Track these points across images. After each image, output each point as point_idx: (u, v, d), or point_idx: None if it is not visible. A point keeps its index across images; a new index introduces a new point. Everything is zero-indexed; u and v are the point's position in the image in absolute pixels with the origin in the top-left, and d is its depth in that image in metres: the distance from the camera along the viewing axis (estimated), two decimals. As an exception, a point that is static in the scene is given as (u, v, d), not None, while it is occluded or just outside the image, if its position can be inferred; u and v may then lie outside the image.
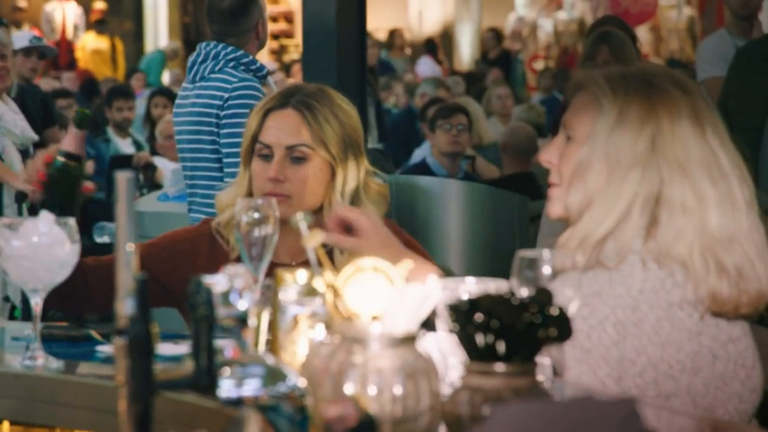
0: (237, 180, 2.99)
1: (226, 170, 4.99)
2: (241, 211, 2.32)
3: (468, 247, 5.68)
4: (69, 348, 2.47)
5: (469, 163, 7.43)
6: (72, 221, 2.30)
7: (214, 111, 5.03)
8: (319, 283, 1.90)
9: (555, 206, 2.33)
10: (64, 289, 2.45)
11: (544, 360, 1.92)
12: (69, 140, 3.09)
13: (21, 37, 8.09)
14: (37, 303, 2.28)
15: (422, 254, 2.92)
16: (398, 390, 1.72)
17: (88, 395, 2.14)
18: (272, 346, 1.98)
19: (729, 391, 2.22)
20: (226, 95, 5.01)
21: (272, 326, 2.00)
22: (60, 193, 3.00)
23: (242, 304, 1.74)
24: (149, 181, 8.11)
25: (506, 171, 7.41)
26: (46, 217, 2.27)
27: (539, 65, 17.64)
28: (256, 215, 2.32)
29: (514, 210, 5.93)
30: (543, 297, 1.74)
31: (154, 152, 8.68)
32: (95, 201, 8.21)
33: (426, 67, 15.92)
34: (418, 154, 8.00)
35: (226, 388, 1.74)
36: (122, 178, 1.74)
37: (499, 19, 19.24)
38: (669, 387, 2.19)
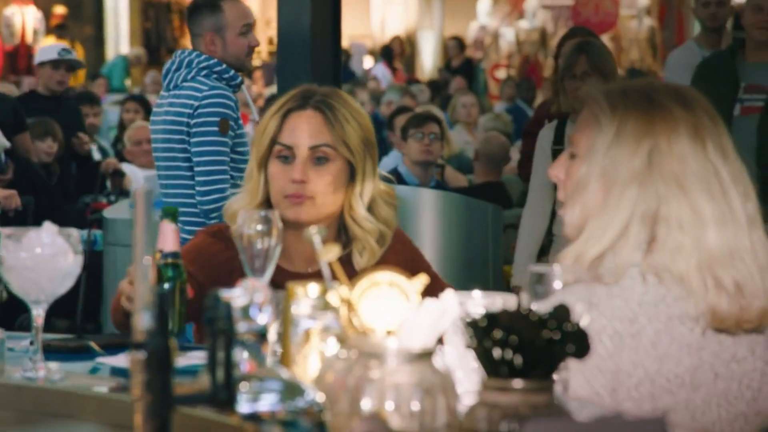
0: (250, 186, 2.94)
1: (197, 178, 4.99)
2: (244, 224, 2.31)
3: (441, 257, 5.69)
4: (68, 359, 2.45)
5: (438, 171, 7.44)
6: (75, 232, 2.28)
7: (185, 119, 5.03)
8: (332, 297, 1.89)
9: (565, 227, 2.32)
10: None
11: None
12: (166, 239, 2.63)
13: (49, 50, 8.11)
14: (39, 314, 2.26)
15: (426, 268, 2.92)
16: (416, 406, 1.72)
17: (92, 407, 2.12)
18: (283, 359, 1.97)
19: (734, 410, 2.21)
20: (196, 104, 5.01)
21: (283, 340, 1.99)
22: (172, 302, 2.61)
23: (262, 319, 1.73)
24: (117, 187, 8.06)
25: (477, 180, 7.42)
26: (49, 228, 2.25)
27: (501, 74, 17.72)
28: (260, 227, 2.31)
29: (487, 219, 5.95)
30: (561, 313, 1.74)
31: (122, 158, 8.64)
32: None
33: (379, 73, 15.97)
34: (387, 163, 8.00)
35: (244, 403, 1.73)
36: (140, 192, 1.73)
37: (461, 27, 19.30)
38: (666, 401, 2.19)
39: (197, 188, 4.91)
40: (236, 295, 1.74)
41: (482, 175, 7.37)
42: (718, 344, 2.21)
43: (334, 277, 1.95)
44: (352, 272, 2.70)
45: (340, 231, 2.93)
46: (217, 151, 4.97)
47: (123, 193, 8.01)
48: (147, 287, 1.71)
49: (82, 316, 6.75)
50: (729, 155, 2.25)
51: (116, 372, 2.40)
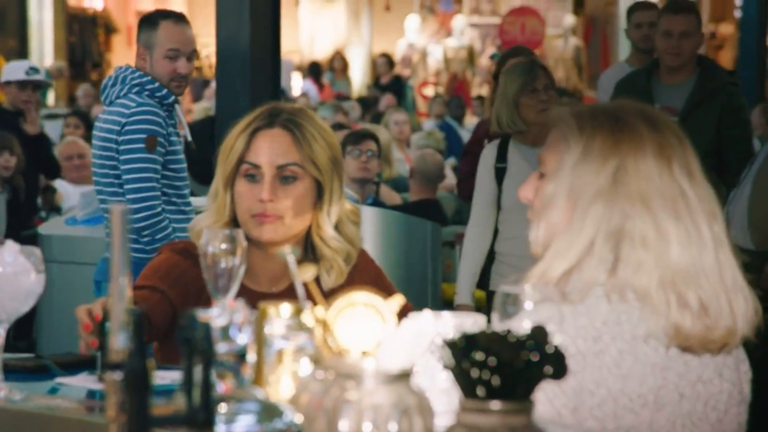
0: (216, 205, 2.91)
1: (127, 196, 4.97)
2: (208, 242, 2.29)
3: (382, 275, 5.69)
4: (26, 379, 2.41)
5: (374, 189, 7.45)
6: (37, 250, 2.26)
7: (114, 137, 5.02)
8: (307, 318, 1.88)
9: (534, 245, 2.33)
10: None
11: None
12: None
13: (16, 69, 7.98)
14: (0, 334, 2.22)
15: (390, 288, 2.91)
16: (393, 427, 1.71)
17: (57, 429, 2.10)
18: (256, 380, 1.96)
19: (697, 431, 2.24)
20: (123, 120, 5.00)
21: (256, 360, 1.97)
22: None
23: (242, 339, 1.72)
24: (48, 204, 7.97)
25: (413, 197, 7.44)
26: (10, 246, 2.22)
27: (429, 91, 17.78)
28: (224, 246, 2.28)
29: (426, 236, 5.96)
30: (539, 334, 1.75)
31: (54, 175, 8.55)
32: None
33: (307, 90, 15.98)
34: (322, 180, 7.98)
35: (222, 424, 1.71)
36: (116, 210, 1.72)
37: (389, 44, 19.35)
38: (629, 421, 2.19)
39: (130, 205, 4.88)
40: (215, 315, 1.72)
41: (418, 192, 7.39)
42: (684, 365, 2.22)
43: (309, 297, 1.93)
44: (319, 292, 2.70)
45: (307, 250, 2.91)
46: (144, 168, 4.95)
47: (54, 209, 7.93)
48: (123, 307, 1.69)
49: (14, 333, 6.66)
50: (696, 176, 2.27)
51: (77, 392, 2.37)
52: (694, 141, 2.34)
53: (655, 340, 2.20)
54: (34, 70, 8.00)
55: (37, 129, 7.85)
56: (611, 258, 2.23)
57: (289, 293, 2.84)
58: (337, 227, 2.90)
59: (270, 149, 2.87)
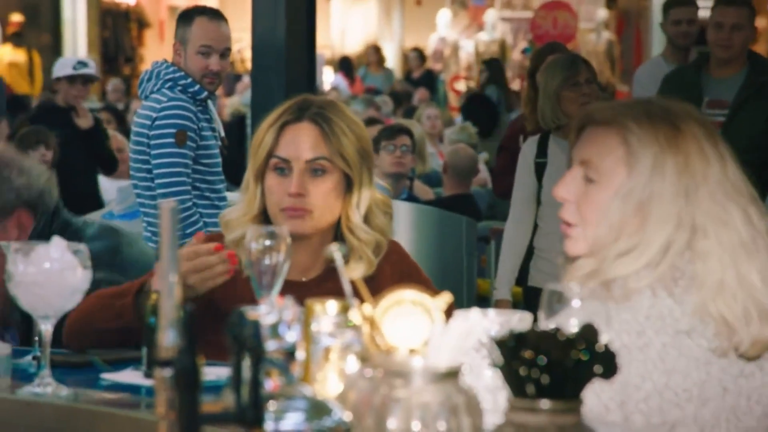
0: (247, 197, 2.93)
1: (157, 191, 4.99)
2: (251, 239, 2.29)
3: (418, 270, 5.68)
4: (70, 374, 2.42)
5: (408, 184, 7.45)
6: (83, 247, 2.26)
7: (146, 131, 5.05)
8: (354, 315, 1.88)
9: (576, 246, 2.30)
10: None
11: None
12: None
13: (64, 64, 8.00)
14: (47, 329, 2.23)
15: (425, 281, 2.91)
16: (442, 426, 1.71)
17: (104, 424, 2.10)
18: (303, 377, 1.96)
19: (743, 426, 2.22)
20: (154, 115, 5.04)
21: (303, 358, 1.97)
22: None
23: (291, 337, 1.72)
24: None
25: (446, 192, 7.43)
26: (58, 242, 2.23)
27: (461, 86, 17.74)
28: (268, 242, 2.29)
29: (461, 232, 5.95)
30: (589, 333, 1.74)
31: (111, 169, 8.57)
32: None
33: (338, 84, 15.99)
34: (356, 175, 7.98)
35: (271, 422, 1.72)
36: (166, 207, 1.72)
37: (420, 39, 19.33)
38: (674, 415, 2.19)
39: (161, 200, 4.90)
40: (264, 313, 1.73)
41: (451, 187, 7.38)
42: (726, 359, 2.23)
43: (357, 294, 1.93)
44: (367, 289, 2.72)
45: (336, 241, 2.92)
46: (174, 162, 4.98)
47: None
48: (173, 304, 1.69)
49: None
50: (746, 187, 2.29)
51: (122, 388, 2.38)
52: (744, 134, 2.36)
53: (698, 335, 2.20)
54: (82, 64, 8.02)
55: (89, 122, 7.85)
56: (675, 268, 2.22)
57: (319, 282, 2.89)
58: (367, 217, 2.91)
59: (298, 143, 2.88)
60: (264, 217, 2.90)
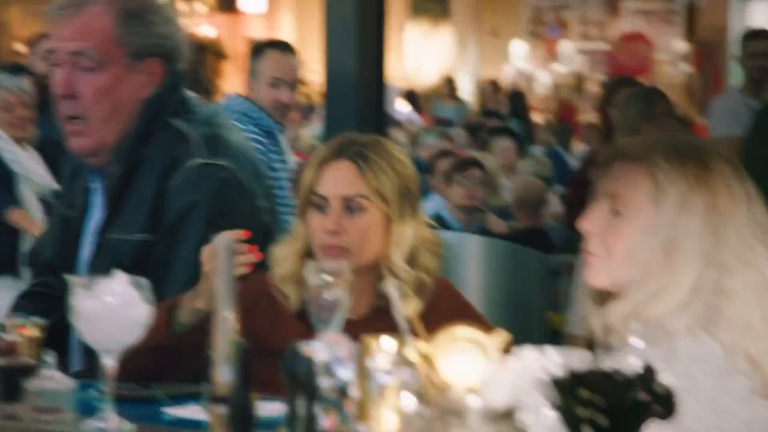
0: (293, 234, 2.95)
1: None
2: (309, 273, 2.28)
3: (489, 304, 5.64)
4: (134, 409, 2.42)
5: (480, 216, 7.43)
6: (145, 281, 2.28)
7: None
8: (410, 352, 1.87)
9: (597, 276, 2.31)
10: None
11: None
12: None
13: None
14: (111, 364, 2.24)
15: (478, 319, 2.88)
16: (498, 465, 1.69)
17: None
18: (359, 415, 1.95)
19: None
20: None
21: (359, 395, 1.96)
22: None
23: (344, 374, 1.72)
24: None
25: (518, 225, 7.40)
26: (120, 277, 2.25)
27: (537, 117, 17.69)
28: (327, 278, 2.28)
29: (534, 266, 5.91)
30: (648, 374, 1.72)
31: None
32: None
33: (403, 116, 16.03)
34: (427, 207, 7.98)
35: (325, 460, 1.71)
36: (220, 242, 1.73)
37: (495, 71, 19.30)
38: None
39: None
40: (317, 349, 1.72)
41: (523, 220, 7.35)
42: (765, 396, 2.22)
43: (413, 332, 1.92)
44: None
45: (378, 279, 2.91)
46: None
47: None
48: (228, 340, 1.70)
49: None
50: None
51: (185, 423, 2.38)
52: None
53: (738, 374, 2.20)
54: None
55: None
56: (712, 305, 2.21)
57: (368, 320, 2.83)
58: (413, 256, 2.89)
59: (336, 180, 2.90)
60: (310, 254, 2.90)
